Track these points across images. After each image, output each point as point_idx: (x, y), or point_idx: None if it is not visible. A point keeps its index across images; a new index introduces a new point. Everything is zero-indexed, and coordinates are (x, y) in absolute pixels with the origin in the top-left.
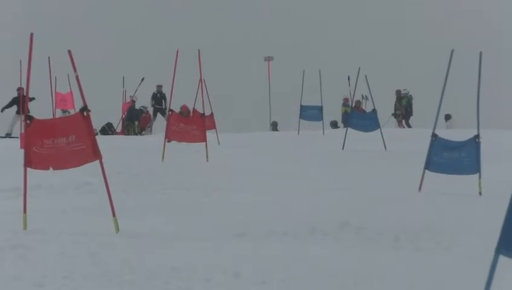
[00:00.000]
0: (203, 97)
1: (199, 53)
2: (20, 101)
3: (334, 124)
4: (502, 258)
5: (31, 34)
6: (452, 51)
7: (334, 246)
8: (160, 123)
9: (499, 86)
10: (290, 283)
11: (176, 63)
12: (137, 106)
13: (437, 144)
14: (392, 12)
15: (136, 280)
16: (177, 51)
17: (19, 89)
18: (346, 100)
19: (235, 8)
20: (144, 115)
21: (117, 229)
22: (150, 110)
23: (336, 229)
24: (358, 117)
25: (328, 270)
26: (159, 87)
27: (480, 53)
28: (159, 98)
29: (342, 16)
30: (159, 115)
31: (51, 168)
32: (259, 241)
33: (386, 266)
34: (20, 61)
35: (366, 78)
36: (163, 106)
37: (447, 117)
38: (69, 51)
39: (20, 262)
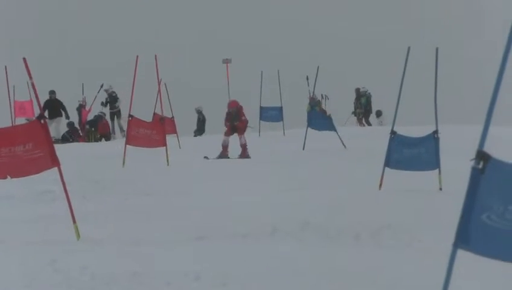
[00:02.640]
0: (161, 101)
1: (156, 58)
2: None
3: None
4: (460, 252)
5: None
6: (409, 49)
7: (296, 245)
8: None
9: (455, 81)
10: (251, 283)
11: (135, 69)
12: (94, 113)
13: (396, 141)
14: (347, 11)
15: (97, 286)
16: (137, 58)
17: (52, 92)
18: (312, 99)
19: (192, 10)
20: (102, 121)
21: (78, 236)
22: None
23: (297, 229)
24: (317, 117)
25: (289, 269)
26: (108, 91)
27: (437, 49)
28: (109, 101)
29: (298, 15)
30: (115, 117)
31: (8, 177)
32: (220, 244)
33: (347, 263)
34: None
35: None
36: (116, 108)
37: (378, 113)
38: (24, 59)
39: None
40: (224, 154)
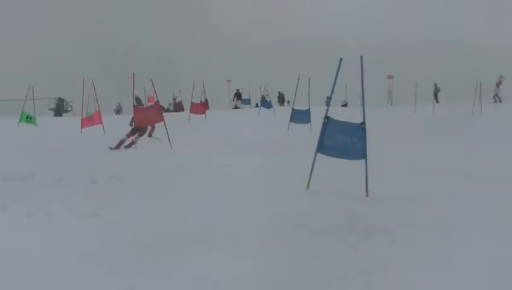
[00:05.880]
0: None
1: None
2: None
3: None
4: (321, 160)
5: (133, 74)
6: (298, 79)
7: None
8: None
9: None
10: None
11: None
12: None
13: (294, 111)
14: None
15: None
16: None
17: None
18: (262, 97)
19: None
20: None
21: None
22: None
23: (247, 146)
24: (265, 103)
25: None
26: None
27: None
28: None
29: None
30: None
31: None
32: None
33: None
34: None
35: (265, 87)
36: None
37: (288, 100)
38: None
39: None
40: None
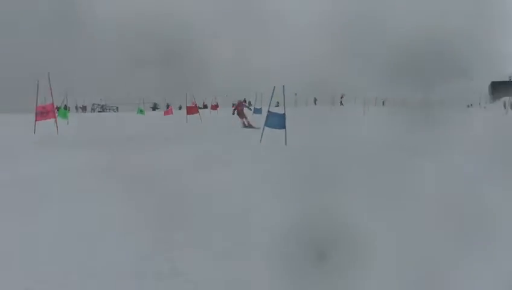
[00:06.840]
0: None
1: None
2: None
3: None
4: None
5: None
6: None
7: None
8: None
9: None
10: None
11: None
12: None
13: (254, 109)
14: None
15: None
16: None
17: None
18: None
19: None
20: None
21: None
22: None
23: (236, 125)
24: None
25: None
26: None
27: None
28: None
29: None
30: None
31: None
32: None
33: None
34: None
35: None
36: None
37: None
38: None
39: None
40: None
